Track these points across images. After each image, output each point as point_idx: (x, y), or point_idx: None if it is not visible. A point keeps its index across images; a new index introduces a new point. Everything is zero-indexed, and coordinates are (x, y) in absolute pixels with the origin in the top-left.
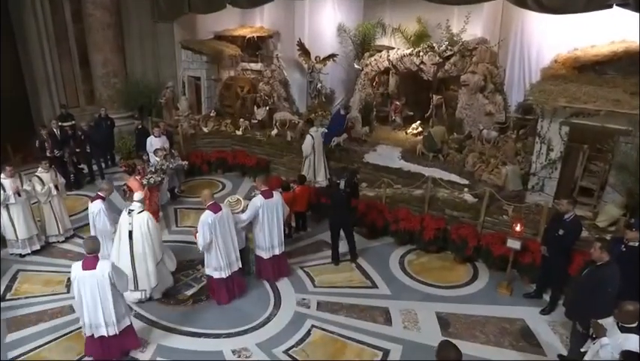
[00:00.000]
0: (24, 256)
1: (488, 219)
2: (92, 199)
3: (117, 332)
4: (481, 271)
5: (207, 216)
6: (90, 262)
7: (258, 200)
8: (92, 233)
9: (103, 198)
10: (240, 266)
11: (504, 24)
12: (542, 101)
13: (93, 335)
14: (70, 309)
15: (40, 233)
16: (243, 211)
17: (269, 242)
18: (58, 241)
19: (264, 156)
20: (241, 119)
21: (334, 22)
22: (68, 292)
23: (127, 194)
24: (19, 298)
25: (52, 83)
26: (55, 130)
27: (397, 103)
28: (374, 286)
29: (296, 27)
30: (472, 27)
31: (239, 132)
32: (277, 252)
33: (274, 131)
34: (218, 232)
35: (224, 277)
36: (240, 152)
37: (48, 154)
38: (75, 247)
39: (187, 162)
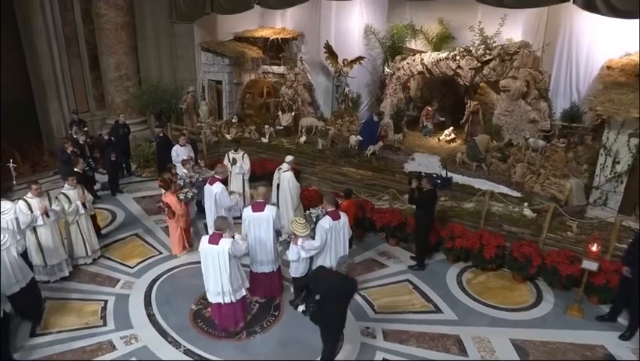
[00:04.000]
0: (51, 282)
1: (550, 235)
2: (210, 182)
3: (233, 301)
4: (544, 291)
5: (244, 211)
6: (215, 238)
7: (327, 222)
8: (212, 208)
9: (220, 180)
10: (274, 269)
11: (549, 27)
12: (613, 112)
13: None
14: (111, 345)
15: (68, 257)
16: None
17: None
18: (86, 264)
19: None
20: (266, 126)
21: (360, 23)
22: (105, 324)
23: (166, 211)
24: (50, 333)
25: (62, 87)
26: (77, 138)
27: (429, 108)
28: (438, 310)
29: (321, 29)
30: (511, 30)
31: (264, 139)
32: None
33: (303, 139)
34: (252, 230)
35: (258, 271)
36: (267, 160)
37: (79, 168)
38: (104, 270)
39: None
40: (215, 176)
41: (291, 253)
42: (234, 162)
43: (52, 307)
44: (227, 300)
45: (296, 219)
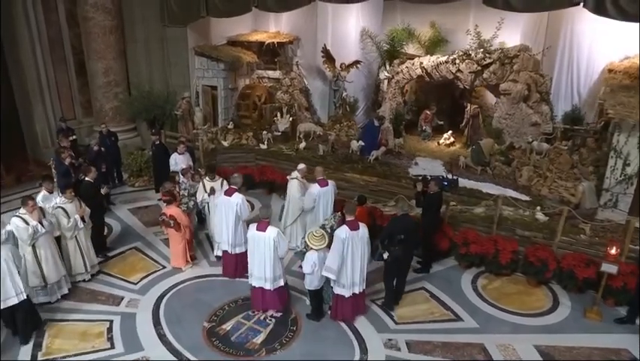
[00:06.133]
0: (52, 302)
1: (564, 238)
2: (228, 193)
3: (272, 289)
4: (560, 295)
5: (314, 187)
6: (263, 225)
7: (344, 232)
8: (231, 221)
9: (238, 190)
10: None
11: (550, 30)
12: (625, 115)
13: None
14: None
15: (66, 273)
16: (328, 246)
17: (350, 279)
18: (84, 280)
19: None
20: (264, 132)
21: (357, 27)
22: (112, 347)
23: (172, 224)
24: (53, 360)
25: (46, 93)
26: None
27: (427, 112)
28: (458, 318)
29: (318, 32)
30: (509, 33)
31: (263, 146)
32: (357, 290)
33: (302, 145)
34: (321, 202)
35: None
36: (267, 167)
37: (90, 177)
38: (105, 287)
39: None
40: (232, 186)
41: (306, 266)
42: (212, 191)
43: (54, 330)
44: (267, 286)
45: (312, 231)
